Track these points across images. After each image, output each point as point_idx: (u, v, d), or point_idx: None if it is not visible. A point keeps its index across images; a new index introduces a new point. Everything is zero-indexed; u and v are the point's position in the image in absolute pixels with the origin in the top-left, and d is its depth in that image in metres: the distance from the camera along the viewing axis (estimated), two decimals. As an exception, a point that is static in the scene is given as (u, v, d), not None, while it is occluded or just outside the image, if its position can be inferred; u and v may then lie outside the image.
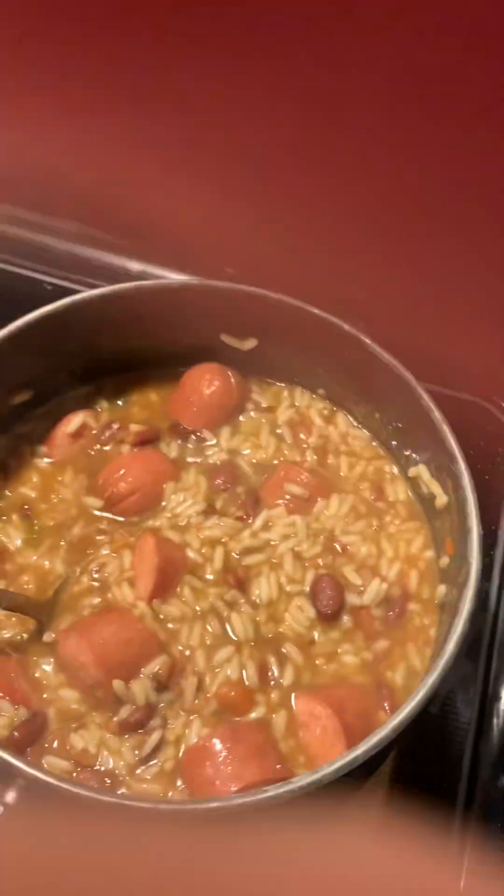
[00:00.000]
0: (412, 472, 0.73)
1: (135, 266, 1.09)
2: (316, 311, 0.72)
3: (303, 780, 0.50)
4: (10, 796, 0.52)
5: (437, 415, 0.66)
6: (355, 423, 0.79)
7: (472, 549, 0.60)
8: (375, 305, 0.72)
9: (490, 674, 0.72)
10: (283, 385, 0.82)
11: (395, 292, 0.75)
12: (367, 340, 0.70)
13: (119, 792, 0.58)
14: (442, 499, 0.68)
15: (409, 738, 0.60)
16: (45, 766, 0.59)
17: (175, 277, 0.85)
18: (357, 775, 0.54)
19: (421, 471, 0.71)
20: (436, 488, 0.69)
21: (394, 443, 0.76)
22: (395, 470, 0.76)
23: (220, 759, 0.58)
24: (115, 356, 0.79)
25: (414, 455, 0.73)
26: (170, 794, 0.59)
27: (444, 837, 0.58)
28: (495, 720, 0.70)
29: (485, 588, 0.74)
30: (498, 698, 0.71)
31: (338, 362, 0.75)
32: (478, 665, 0.73)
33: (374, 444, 0.78)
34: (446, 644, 0.56)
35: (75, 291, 0.74)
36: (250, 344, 0.79)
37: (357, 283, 0.75)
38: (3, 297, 1.02)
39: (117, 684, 0.61)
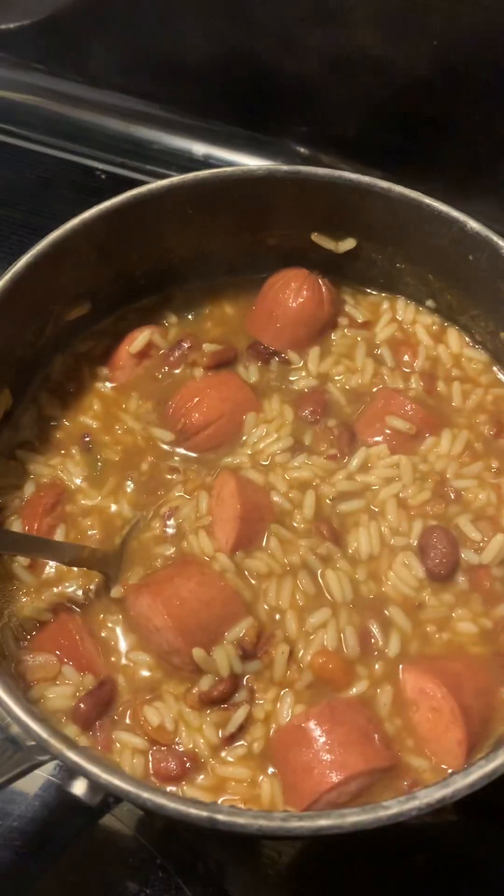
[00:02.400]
0: (544, 404, 0.61)
1: (199, 149, 0.94)
2: (436, 204, 0.58)
3: (430, 795, 0.42)
4: (82, 789, 0.45)
5: None
6: (471, 343, 0.67)
7: None
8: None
9: None
10: (383, 295, 0.69)
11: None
12: (502, 242, 0.57)
13: (200, 778, 0.51)
14: None
15: None
16: (116, 742, 0.52)
17: (254, 164, 0.71)
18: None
19: None
20: None
21: (520, 368, 0.63)
22: (521, 401, 0.64)
23: (319, 743, 0.50)
24: (184, 261, 0.67)
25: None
26: (260, 778, 0.52)
27: None
28: None
29: None
30: None
31: (456, 267, 0.62)
32: None
33: (494, 368, 0.65)
34: None
35: (131, 180, 0.62)
36: (347, 245, 0.66)
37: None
38: (48, 188, 0.90)
39: (197, 652, 0.53)
